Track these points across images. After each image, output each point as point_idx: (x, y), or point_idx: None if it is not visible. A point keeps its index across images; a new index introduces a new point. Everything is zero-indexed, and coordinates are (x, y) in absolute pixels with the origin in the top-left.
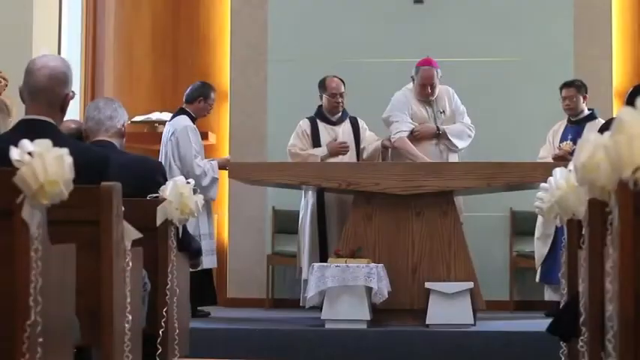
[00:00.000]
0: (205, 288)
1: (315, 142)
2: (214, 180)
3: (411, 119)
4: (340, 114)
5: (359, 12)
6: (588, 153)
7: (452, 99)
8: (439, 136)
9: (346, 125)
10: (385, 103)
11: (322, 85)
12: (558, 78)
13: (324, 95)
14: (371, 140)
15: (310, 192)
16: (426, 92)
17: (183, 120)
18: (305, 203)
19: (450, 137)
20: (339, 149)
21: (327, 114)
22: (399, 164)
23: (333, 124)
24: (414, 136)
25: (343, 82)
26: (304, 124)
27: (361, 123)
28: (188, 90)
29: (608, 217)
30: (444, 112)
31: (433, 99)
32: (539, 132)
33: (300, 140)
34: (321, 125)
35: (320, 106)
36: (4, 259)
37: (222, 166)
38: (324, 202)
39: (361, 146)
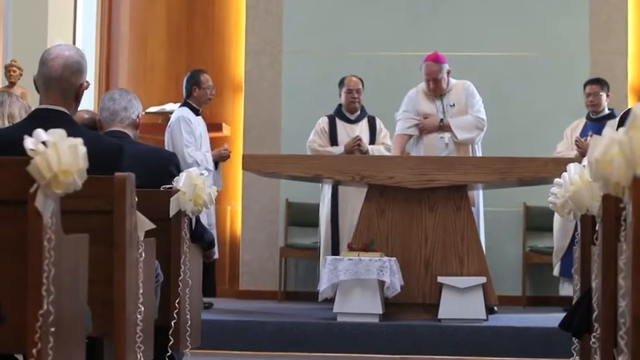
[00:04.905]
0: (207, 279)
1: (333, 139)
2: (209, 172)
3: (419, 114)
4: (359, 112)
5: (375, 4)
6: (602, 148)
7: (467, 93)
8: (443, 127)
9: (364, 124)
10: (400, 97)
11: (342, 83)
12: (573, 73)
13: (342, 92)
14: (383, 142)
15: (327, 185)
16: (429, 87)
17: (179, 111)
18: (323, 196)
19: (452, 128)
20: (354, 146)
21: (346, 112)
22: (413, 158)
23: (352, 122)
24: (419, 129)
25: (362, 82)
26: (323, 122)
27: (378, 123)
28: (183, 85)
29: (622, 212)
30: (454, 105)
31: (443, 93)
32: (554, 127)
33: (319, 137)
34: (339, 123)
35: (340, 105)
36: (18, 249)
37: (217, 158)
38: (337, 196)
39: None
